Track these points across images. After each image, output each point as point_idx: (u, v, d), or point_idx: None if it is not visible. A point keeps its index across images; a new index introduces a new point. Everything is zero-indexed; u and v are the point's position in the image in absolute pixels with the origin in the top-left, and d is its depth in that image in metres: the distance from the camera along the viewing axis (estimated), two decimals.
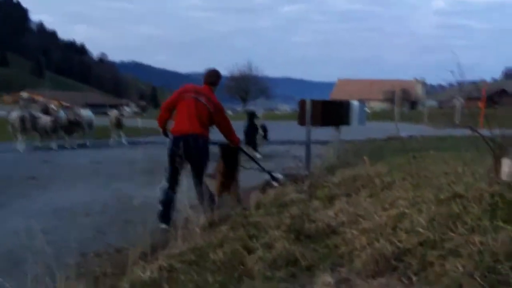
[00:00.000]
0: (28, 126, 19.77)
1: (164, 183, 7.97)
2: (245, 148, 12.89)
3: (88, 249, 6.80)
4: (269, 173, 9.46)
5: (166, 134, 8.35)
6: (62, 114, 21.47)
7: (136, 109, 79.42)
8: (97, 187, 12.05)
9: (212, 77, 8.48)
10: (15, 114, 19.78)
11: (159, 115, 8.39)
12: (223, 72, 8.47)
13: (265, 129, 17.62)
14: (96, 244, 7.23)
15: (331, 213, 5.83)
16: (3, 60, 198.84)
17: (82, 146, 21.78)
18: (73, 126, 21.52)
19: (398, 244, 4.37)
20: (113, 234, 7.68)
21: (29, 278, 4.84)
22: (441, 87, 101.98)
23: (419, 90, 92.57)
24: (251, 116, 17.74)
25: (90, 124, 22.84)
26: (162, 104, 8.49)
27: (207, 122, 8.05)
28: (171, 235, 6.05)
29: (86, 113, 23.15)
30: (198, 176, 8.07)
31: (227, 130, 8.41)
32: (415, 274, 3.86)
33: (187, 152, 7.82)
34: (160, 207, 7.78)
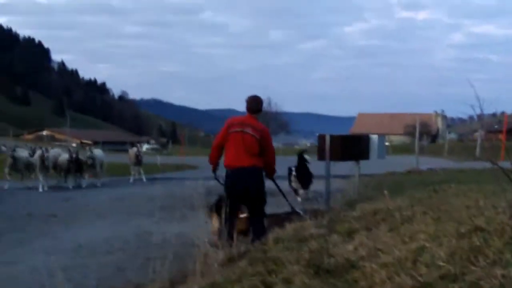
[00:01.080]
0: (47, 164, 19.98)
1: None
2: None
3: (107, 286, 6.79)
4: (293, 208, 9.42)
5: (215, 174, 8.49)
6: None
7: (156, 146, 79.85)
8: (117, 224, 12.09)
9: (254, 104, 8.50)
10: (37, 154, 20.02)
11: (210, 154, 8.47)
12: (242, 108, 8.54)
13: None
14: (116, 280, 7.23)
15: (350, 247, 5.77)
16: (25, 99, 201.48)
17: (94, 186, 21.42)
18: (85, 166, 21.44)
19: (418, 278, 4.30)
20: (132, 271, 7.68)
21: None
22: (461, 120, 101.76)
23: (439, 123, 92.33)
24: (301, 156, 16.10)
25: (101, 164, 22.70)
26: (213, 143, 8.62)
27: (257, 153, 8.09)
28: (189, 271, 6.03)
29: (98, 152, 23.32)
30: (256, 210, 8.09)
31: (270, 158, 8.41)
32: None
33: (242, 185, 7.88)
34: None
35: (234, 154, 7.98)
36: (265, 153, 8.22)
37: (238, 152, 7.96)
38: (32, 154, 20.80)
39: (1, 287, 7.31)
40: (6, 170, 19.91)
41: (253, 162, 8.00)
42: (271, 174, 8.60)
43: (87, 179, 21.90)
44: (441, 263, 4.48)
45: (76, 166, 20.90)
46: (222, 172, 8.37)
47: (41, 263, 7.60)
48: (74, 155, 20.86)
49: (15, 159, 19.77)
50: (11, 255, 9.25)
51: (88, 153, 21.63)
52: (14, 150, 20.57)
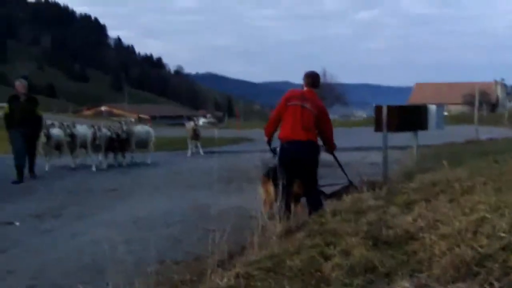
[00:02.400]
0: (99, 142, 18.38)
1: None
2: None
3: (167, 257, 6.90)
4: (350, 181, 9.39)
5: (270, 146, 8.57)
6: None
7: (213, 120, 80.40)
8: (176, 197, 12.23)
9: (314, 78, 8.57)
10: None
11: (266, 126, 8.63)
12: (298, 80, 8.62)
13: None
14: (175, 252, 7.35)
15: (409, 219, 5.73)
16: (83, 76, 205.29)
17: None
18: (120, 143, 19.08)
19: (479, 249, 4.24)
20: (191, 243, 7.79)
21: (110, 286, 4.95)
22: None
23: (498, 92, 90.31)
24: None
25: (144, 140, 20.71)
26: (270, 116, 8.76)
27: (313, 128, 8.12)
28: (248, 243, 6.07)
29: (141, 128, 21.56)
30: (310, 183, 8.15)
31: (328, 134, 8.50)
32: (497, 280, 3.74)
33: (296, 158, 7.94)
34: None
35: (291, 127, 8.02)
36: (323, 129, 8.24)
37: (295, 126, 8.00)
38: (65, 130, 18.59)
39: (66, 259, 7.51)
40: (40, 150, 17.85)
41: (308, 136, 8.03)
42: (331, 149, 8.65)
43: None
44: (502, 234, 4.41)
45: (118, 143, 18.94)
46: (276, 144, 8.41)
47: (103, 236, 7.78)
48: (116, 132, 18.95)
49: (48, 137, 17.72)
50: (73, 227, 9.48)
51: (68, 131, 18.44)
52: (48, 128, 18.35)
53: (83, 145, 18.39)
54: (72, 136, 17.83)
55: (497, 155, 11.19)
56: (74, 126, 18.78)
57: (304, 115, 8.02)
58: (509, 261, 3.94)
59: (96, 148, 18.03)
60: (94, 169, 17.39)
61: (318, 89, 8.57)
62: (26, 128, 14.98)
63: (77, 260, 7.44)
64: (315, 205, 7.87)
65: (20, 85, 15.87)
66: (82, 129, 18.87)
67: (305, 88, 8.45)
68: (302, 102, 8.09)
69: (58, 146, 18.29)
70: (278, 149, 8.26)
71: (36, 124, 15.65)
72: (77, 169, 17.65)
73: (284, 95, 8.42)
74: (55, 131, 18.19)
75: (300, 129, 7.98)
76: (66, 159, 18.34)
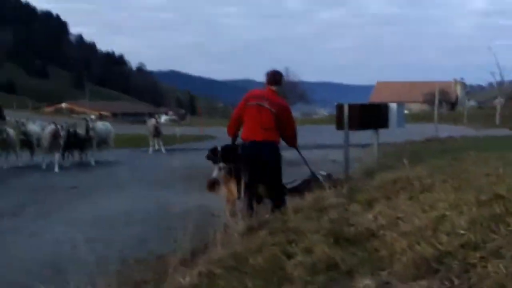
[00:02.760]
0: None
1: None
2: None
3: (129, 256, 6.86)
4: (314, 173, 9.42)
5: (234, 143, 8.55)
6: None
7: (174, 117, 79.97)
8: (138, 195, 12.16)
9: (274, 76, 8.53)
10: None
11: (228, 127, 8.60)
12: (260, 78, 8.60)
13: None
14: (137, 251, 7.30)
15: (370, 216, 5.78)
16: (44, 72, 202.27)
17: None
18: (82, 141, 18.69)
19: (439, 246, 4.30)
20: (154, 241, 7.75)
21: (71, 286, 4.91)
22: (480, 88, 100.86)
23: (458, 91, 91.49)
24: None
25: (105, 137, 20.27)
26: (231, 116, 8.75)
27: (273, 127, 8.08)
28: (210, 241, 6.07)
29: (102, 126, 20.70)
30: (272, 183, 8.13)
31: (288, 133, 8.41)
32: (457, 277, 3.80)
33: (256, 158, 7.92)
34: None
35: (250, 128, 8.04)
36: (284, 126, 8.21)
37: (253, 126, 8.00)
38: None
39: (26, 258, 7.41)
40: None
41: (266, 137, 8.01)
42: (293, 145, 8.63)
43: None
44: (462, 232, 4.47)
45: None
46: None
47: (64, 235, 7.70)
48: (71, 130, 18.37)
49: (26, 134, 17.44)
50: (34, 226, 9.36)
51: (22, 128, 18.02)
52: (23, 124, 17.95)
53: (37, 144, 17.80)
54: (26, 134, 17.49)
55: (456, 153, 11.35)
56: (24, 124, 18.00)
57: (263, 115, 7.99)
58: (469, 258, 4.00)
59: (55, 146, 17.33)
60: (56, 169, 16.84)
61: (279, 87, 8.53)
62: None
63: (38, 259, 7.35)
64: (278, 203, 7.88)
65: None
66: (35, 127, 18.25)
67: (266, 87, 8.43)
68: (260, 102, 8.07)
69: (11, 145, 17.80)
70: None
71: None
72: (33, 167, 17.36)
73: (245, 95, 8.44)
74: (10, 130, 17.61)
75: (258, 129, 7.96)
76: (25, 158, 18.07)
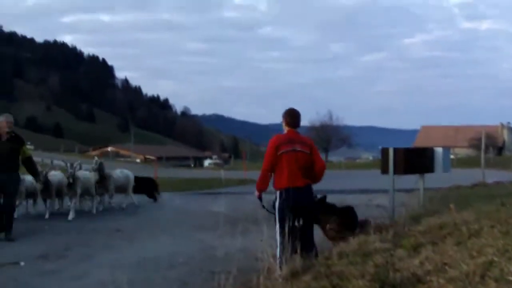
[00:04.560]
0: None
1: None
2: None
3: None
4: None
5: (261, 199, 8.13)
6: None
7: (219, 161, 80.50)
8: (181, 238, 12.19)
9: (297, 118, 8.28)
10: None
11: (260, 181, 8.07)
12: (304, 122, 8.49)
13: None
14: None
15: (416, 262, 5.69)
16: (90, 116, 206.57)
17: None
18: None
19: None
20: (196, 285, 7.73)
21: None
22: None
23: (505, 135, 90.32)
24: None
25: (124, 185, 18.92)
26: (263, 167, 8.04)
27: (309, 168, 7.96)
28: (253, 285, 6.03)
29: (120, 173, 19.19)
30: (310, 226, 8.05)
31: (322, 168, 8.13)
32: None
33: (299, 204, 7.81)
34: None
35: (289, 175, 7.76)
36: (315, 162, 8.08)
37: (292, 173, 7.82)
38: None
39: None
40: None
41: (306, 181, 7.92)
42: (320, 178, 8.23)
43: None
44: (511, 278, 4.38)
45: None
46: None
47: (107, 277, 7.73)
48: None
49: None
50: (79, 269, 9.44)
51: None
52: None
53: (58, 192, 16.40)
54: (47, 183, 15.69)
55: (504, 198, 11.14)
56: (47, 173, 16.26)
57: (299, 159, 7.82)
58: None
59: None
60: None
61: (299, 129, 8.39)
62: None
63: None
64: (310, 247, 7.78)
65: (3, 121, 12.51)
66: (57, 175, 16.72)
67: (286, 128, 8.18)
68: (294, 147, 7.86)
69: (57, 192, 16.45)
70: (277, 197, 8.02)
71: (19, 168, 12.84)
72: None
73: (271, 142, 8.00)
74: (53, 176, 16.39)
75: (299, 174, 7.83)
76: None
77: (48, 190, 15.76)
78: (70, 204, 16.26)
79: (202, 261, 9.48)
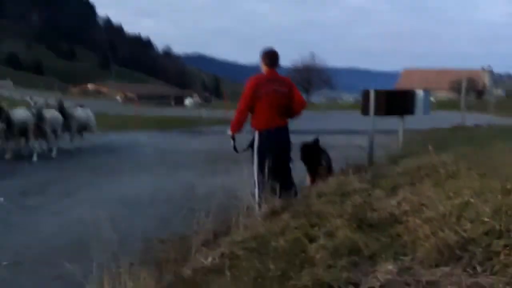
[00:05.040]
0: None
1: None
2: None
3: (152, 236, 6.91)
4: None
5: (235, 141, 8.12)
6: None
7: (199, 100, 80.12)
8: (162, 176, 12.24)
9: (277, 57, 8.21)
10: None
11: (235, 122, 8.03)
12: (287, 63, 8.39)
13: None
14: (160, 231, 7.35)
15: (394, 202, 5.75)
16: (71, 54, 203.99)
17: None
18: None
19: (463, 233, 4.27)
20: (177, 222, 7.79)
21: (94, 265, 4.96)
22: (508, 76, 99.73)
23: (486, 80, 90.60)
24: None
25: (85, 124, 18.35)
26: (239, 107, 8.03)
27: (287, 109, 7.99)
28: (233, 223, 6.09)
29: (81, 112, 18.49)
30: (287, 166, 8.08)
31: (302, 104, 8.16)
32: (480, 264, 3.78)
33: (280, 144, 7.84)
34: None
35: (269, 115, 7.76)
36: (294, 99, 8.06)
37: (272, 113, 7.80)
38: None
39: (51, 237, 7.50)
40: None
41: (284, 121, 7.94)
42: (295, 116, 8.25)
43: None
44: (486, 219, 4.44)
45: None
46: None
47: (88, 214, 7.78)
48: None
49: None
50: (59, 205, 9.47)
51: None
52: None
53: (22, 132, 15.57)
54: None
55: (483, 141, 11.25)
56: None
57: (280, 99, 7.82)
58: (492, 245, 3.98)
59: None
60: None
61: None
62: None
63: (62, 237, 7.44)
64: (290, 186, 7.85)
65: None
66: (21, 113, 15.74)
67: (265, 68, 8.10)
68: (273, 86, 7.85)
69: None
70: (255, 137, 8.00)
71: None
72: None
73: (250, 82, 7.97)
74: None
75: (278, 115, 7.82)
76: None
77: (10, 130, 15.00)
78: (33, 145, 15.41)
79: (182, 199, 9.52)
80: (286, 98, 7.90)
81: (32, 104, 15.82)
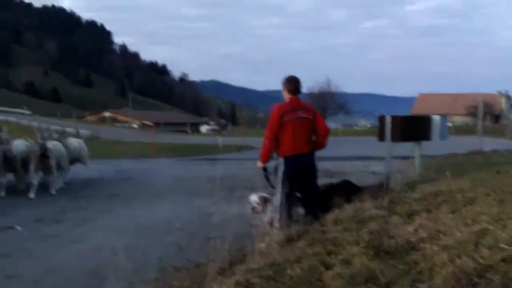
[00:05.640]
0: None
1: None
2: None
3: (168, 264, 6.90)
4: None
5: (266, 170, 8.06)
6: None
7: (215, 127, 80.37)
8: (178, 204, 12.24)
9: (298, 84, 8.25)
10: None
11: (265, 147, 7.95)
12: (303, 89, 8.36)
13: None
14: (176, 259, 7.33)
15: (410, 229, 5.71)
16: (88, 81, 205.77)
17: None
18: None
19: (480, 260, 4.24)
20: (192, 250, 7.78)
21: None
22: None
23: (503, 104, 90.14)
24: None
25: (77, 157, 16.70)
26: (267, 135, 7.95)
27: (311, 135, 8.03)
28: (249, 251, 6.07)
29: (75, 143, 16.96)
30: (312, 190, 8.07)
31: (325, 132, 8.19)
32: None
33: (302, 170, 7.84)
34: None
35: (294, 142, 7.78)
36: (318, 126, 8.09)
37: (298, 140, 7.82)
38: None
39: (67, 265, 7.50)
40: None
41: (310, 147, 7.96)
42: (320, 147, 8.26)
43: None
44: (504, 246, 4.40)
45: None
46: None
47: (104, 242, 7.77)
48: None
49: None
50: (75, 233, 9.49)
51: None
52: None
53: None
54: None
55: (500, 167, 11.17)
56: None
57: (304, 126, 7.89)
58: (510, 272, 3.94)
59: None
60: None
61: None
62: None
63: (78, 266, 7.44)
64: (316, 212, 7.84)
65: None
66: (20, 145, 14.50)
67: (287, 96, 8.14)
68: (298, 114, 7.89)
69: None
70: (280, 163, 7.99)
71: None
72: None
73: (275, 110, 7.99)
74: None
75: (304, 141, 7.86)
76: None
77: (9, 162, 13.75)
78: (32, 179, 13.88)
79: (198, 227, 9.52)
80: (311, 124, 7.94)
81: (39, 134, 15.00)
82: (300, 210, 7.97)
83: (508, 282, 3.83)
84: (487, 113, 56.03)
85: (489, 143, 26.35)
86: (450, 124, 36.36)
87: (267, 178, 8.08)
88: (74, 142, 16.96)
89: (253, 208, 7.97)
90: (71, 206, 11.97)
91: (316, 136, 8.10)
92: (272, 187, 7.98)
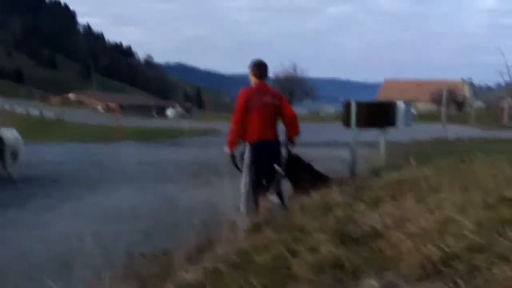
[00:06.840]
0: None
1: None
2: None
3: (135, 251, 6.87)
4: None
5: (234, 157, 7.98)
6: None
7: (182, 111, 79.90)
8: (144, 189, 12.18)
9: (265, 69, 8.22)
10: None
11: (232, 133, 7.92)
12: (268, 74, 8.32)
13: None
14: (143, 246, 7.31)
15: (376, 216, 5.76)
16: (52, 62, 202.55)
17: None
18: None
19: (445, 248, 4.30)
20: (160, 237, 7.76)
21: (78, 280, 4.93)
22: (488, 88, 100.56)
23: (466, 91, 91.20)
24: None
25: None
26: (234, 120, 7.91)
27: (276, 121, 8.05)
28: (216, 238, 6.08)
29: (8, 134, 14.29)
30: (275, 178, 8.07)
31: (294, 118, 8.22)
32: (462, 279, 3.80)
33: (269, 158, 7.85)
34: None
35: (260, 128, 7.79)
36: (285, 112, 8.11)
37: (263, 125, 7.83)
38: None
39: (33, 251, 7.44)
40: None
41: (275, 134, 7.99)
42: (296, 134, 8.34)
43: None
44: (468, 234, 4.47)
45: None
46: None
47: (71, 229, 7.71)
48: None
49: None
50: (41, 219, 9.40)
51: None
52: None
53: None
54: None
55: (463, 154, 11.32)
56: None
57: (269, 112, 7.90)
58: (475, 261, 4.00)
59: None
60: None
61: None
62: None
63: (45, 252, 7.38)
64: (283, 198, 7.92)
65: None
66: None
67: (254, 80, 8.11)
68: (264, 99, 7.88)
69: None
70: (246, 150, 7.98)
71: None
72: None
73: (241, 95, 7.95)
74: None
75: (268, 128, 7.85)
76: None
77: None
78: None
79: (165, 213, 9.49)
80: (278, 110, 7.94)
81: None
82: (274, 199, 8.00)
83: (473, 270, 3.89)
84: (450, 100, 56.69)
85: (453, 130, 26.71)
86: (414, 111, 36.68)
87: (235, 164, 8.04)
88: (8, 133, 14.22)
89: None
90: (35, 192, 11.83)
91: (283, 122, 8.14)
92: (241, 172, 7.99)
